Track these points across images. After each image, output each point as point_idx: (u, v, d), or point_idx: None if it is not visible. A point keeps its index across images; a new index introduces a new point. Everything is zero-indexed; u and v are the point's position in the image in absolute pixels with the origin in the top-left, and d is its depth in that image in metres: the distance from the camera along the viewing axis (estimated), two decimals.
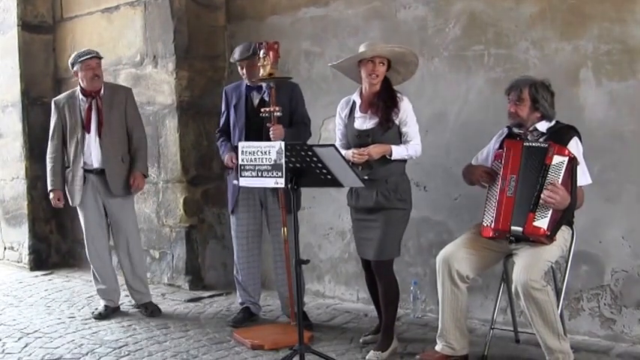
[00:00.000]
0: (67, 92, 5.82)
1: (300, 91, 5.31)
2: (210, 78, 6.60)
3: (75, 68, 5.56)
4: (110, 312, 5.71)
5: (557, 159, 4.05)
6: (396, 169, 4.55)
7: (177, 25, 6.45)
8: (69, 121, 5.60)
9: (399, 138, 4.55)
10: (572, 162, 4.05)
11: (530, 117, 4.25)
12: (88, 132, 5.55)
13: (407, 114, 4.53)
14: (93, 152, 5.58)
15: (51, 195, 5.75)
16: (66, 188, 5.69)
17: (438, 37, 5.28)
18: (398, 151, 4.50)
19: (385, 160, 4.49)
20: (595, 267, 4.67)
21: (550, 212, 4.03)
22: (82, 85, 5.57)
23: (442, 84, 5.27)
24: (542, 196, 4.02)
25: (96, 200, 5.64)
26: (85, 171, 5.58)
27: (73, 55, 5.63)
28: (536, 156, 4.11)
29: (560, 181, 4.02)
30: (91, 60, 5.52)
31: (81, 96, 5.59)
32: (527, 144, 4.19)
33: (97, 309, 5.77)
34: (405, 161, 4.61)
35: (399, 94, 4.57)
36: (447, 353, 4.34)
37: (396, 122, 4.52)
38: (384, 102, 4.52)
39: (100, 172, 5.58)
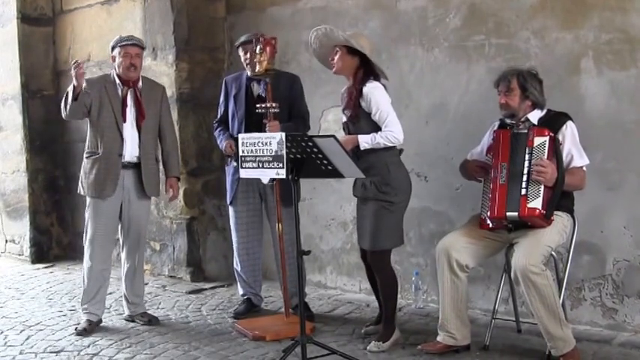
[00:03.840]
0: (100, 75, 5.42)
1: (300, 83, 5.30)
2: (209, 69, 6.59)
3: (114, 52, 5.13)
4: (94, 327, 5.13)
5: (538, 140, 4.12)
6: (379, 159, 4.47)
7: (177, 16, 6.43)
8: (104, 105, 5.05)
9: (374, 126, 4.47)
10: (554, 141, 4.11)
11: (522, 106, 4.26)
12: (125, 121, 5.08)
13: (370, 101, 4.44)
14: (128, 144, 5.08)
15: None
16: (82, 178, 5.15)
17: (438, 27, 5.26)
18: (365, 140, 4.42)
19: (365, 150, 4.44)
20: (597, 256, 4.67)
21: (542, 192, 4.07)
22: (117, 71, 5.13)
23: (442, 74, 5.26)
24: (531, 175, 4.06)
25: (118, 198, 5.12)
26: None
27: (115, 39, 5.19)
28: (520, 142, 4.18)
29: (545, 158, 4.08)
30: (131, 47, 5.08)
31: (118, 81, 5.12)
32: (513, 131, 4.24)
33: (79, 324, 5.17)
34: (391, 151, 4.50)
35: (368, 83, 4.48)
36: (449, 343, 4.35)
37: (366, 111, 4.47)
38: (349, 95, 4.53)
39: (134, 167, 5.13)
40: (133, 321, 5.32)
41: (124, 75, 5.10)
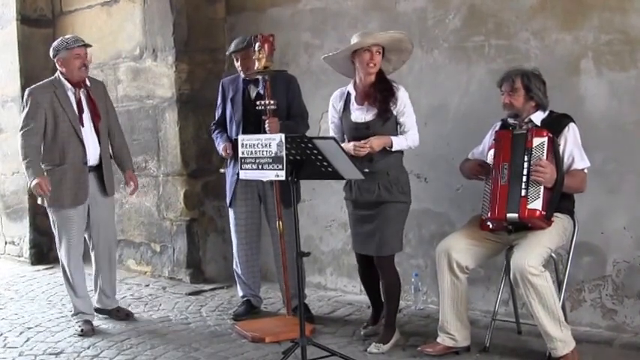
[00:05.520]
0: (45, 82, 5.28)
1: (297, 83, 5.29)
2: (210, 71, 6.58)
3: (60, 55, 5.09)
4: (93, 328, 5.14)
5: (537, 141, 4.12)
6: (396, 161, 4.53)
7: (177, 17, 6.43)
8: (58, 115, 5.04)
9: (397, 129, 4.53)
10: (552, 141, 4.11)
11: (525, 107, 4.26)
12: (82, 125, 5.09)
13: (404, 104, 4.49)
14: (91, 150, 5.12)
15: (35, 182, 4.96)
16: (47, 190, 5.01)
17: (437, 28, 5.26)
18: (398, 142, 4.46)
19: (385, 152, 4.46)
20: (597, 258, 4.66)
21: (541, 192, 4.06)
22: (65, 74, 5.10)
23: (442, 75, 5.26)
24: (531, 176, 4.06)
25: (86, 203, 5.14)
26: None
27: (57, 41, 5.17)
28: (520, 143, 4.18)
29: (544, 159, 4.07)
30: (80, 48, 5.08)
31: (68, 85, 5.10)
32: (514, 132, 4.24)
33: (80, 327, 5.12)
34: (402, 153, 4.58)
35: (394, 84, 4.53)
36: (449, 344, 4.35)
37: (394, 113, 4.49)
38: (380, 92, 4.47)
39: (95, 170, 5.17)
40: (104, 314, 5.39)
41: (77, 76, 5.10)
